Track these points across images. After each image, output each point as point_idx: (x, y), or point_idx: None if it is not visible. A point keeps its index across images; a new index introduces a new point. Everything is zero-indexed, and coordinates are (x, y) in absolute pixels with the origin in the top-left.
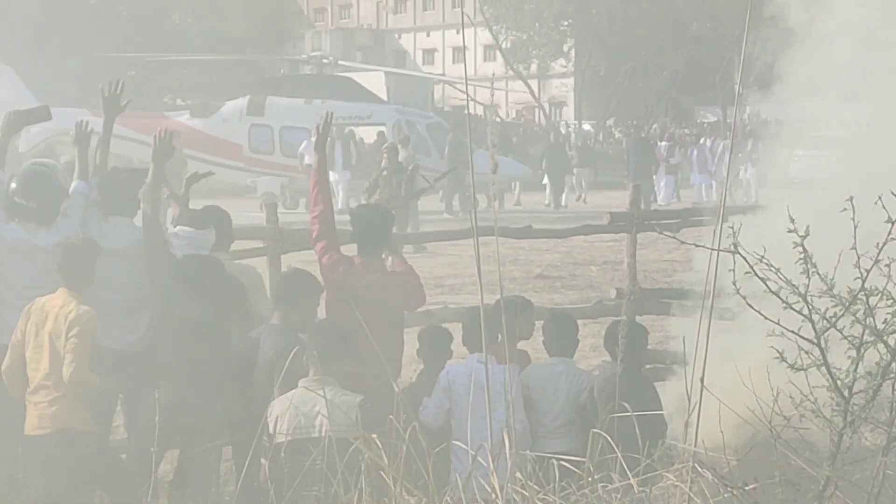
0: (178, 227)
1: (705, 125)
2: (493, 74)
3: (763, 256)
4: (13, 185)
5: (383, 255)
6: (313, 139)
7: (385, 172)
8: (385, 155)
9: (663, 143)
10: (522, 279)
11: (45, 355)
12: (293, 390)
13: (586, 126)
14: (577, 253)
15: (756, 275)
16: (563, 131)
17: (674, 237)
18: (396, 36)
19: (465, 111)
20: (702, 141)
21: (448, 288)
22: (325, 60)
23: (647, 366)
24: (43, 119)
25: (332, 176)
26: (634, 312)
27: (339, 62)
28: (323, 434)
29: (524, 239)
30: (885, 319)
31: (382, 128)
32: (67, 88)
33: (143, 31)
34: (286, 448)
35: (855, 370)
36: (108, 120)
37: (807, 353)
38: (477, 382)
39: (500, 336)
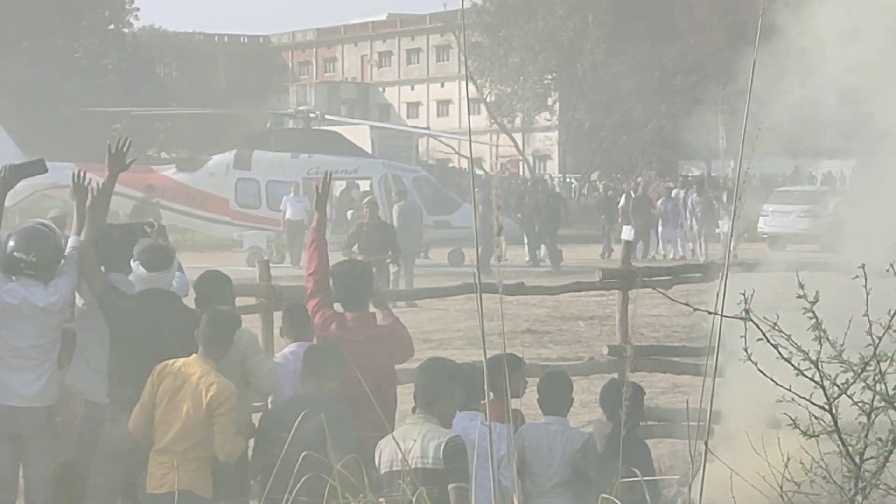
0: (133, 265)
1: (689, 178)
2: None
3: (776, 324)
4: (11, 242)
5: (375, 309)
6: (291, 195)
7: (365, 228)
8: (366, 210)
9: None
10: (510, 334)
11: (178, 420)
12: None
13: (571, 179)
14: (565, 307)
15: (768, 341)
16: (548, 185)
17: (687, 303)
18: (381, 89)
19: (451, 165)
20: (673, 194)
21: (436, 343)
22: (311, 115)
23: (641, 423)
24: (38, 172)
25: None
26: (628, 371)
27: (326, 116)
28: (414, 465)
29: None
30: None
31: (369, 181)
32: (54, 142)
33: (128, 84)
34: (385, 478)
35: (866, 436)
36: (112, 176)
37: (818, 419)
38: (467, 442)
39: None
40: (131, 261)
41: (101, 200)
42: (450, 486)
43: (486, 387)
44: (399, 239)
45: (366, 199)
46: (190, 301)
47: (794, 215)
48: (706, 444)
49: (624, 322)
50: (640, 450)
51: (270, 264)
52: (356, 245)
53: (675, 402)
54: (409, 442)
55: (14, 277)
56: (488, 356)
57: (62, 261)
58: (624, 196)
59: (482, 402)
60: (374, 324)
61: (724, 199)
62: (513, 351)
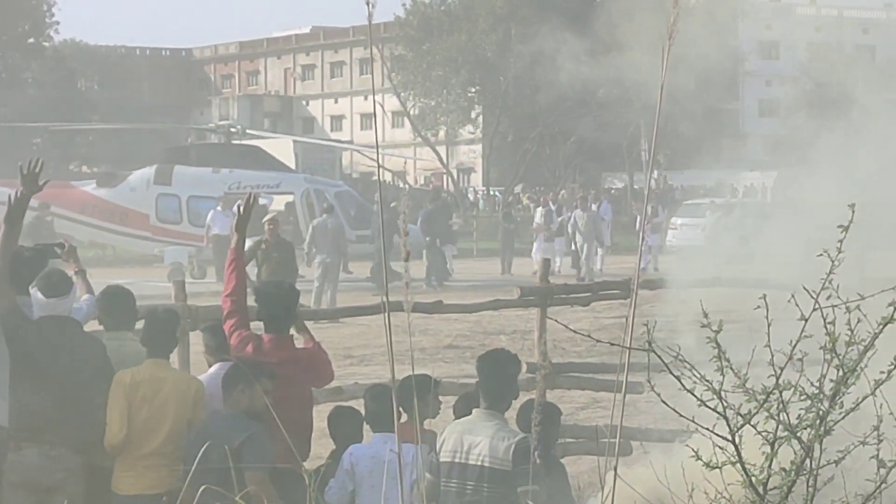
0: (32, 290)
1: (612, 191)
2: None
3: (678, 354)
4: None
5: (296, 332)
6: (219, 209)
7: (264, 246)
8: (268, 227)
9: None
10: (431, 349)
11: (165, 423)
12: (463, 419)
13: (495, 192)
14: (487, 322)
15: (671, 372)
16: (471, 197)
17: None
18: (304, 102)
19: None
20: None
21: (357, 359)
22: (233, 129)
23: (559, 441)
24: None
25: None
26: (546, 388)
27: (248, 131)
28: (480, 462)
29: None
30: (799, 415)
31: (291, 197)
32: None
33: (48, 98)
34: (446, 467)
35: (769, 466)
36: (24, 198)
37: (722, 449)
38: (381, 463)
39: (403, 415)
40: (30, 286)
41: (12, 221)
42: (520, 489)
43: (395, 408)
44: (321, 254)
45: (267, 217)
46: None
47: (700, 228)
48: (615, 467)
49: (542, 339)
50: (558, 474)
51: (192, 280)
52: (251, 263)
53: (595, 419)
54: (476, 436)
55: None
56: (403, 377)
57: None
58: (539, 210)
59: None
60: (291, 346)
61: (649, 212)
62: (435, 367)
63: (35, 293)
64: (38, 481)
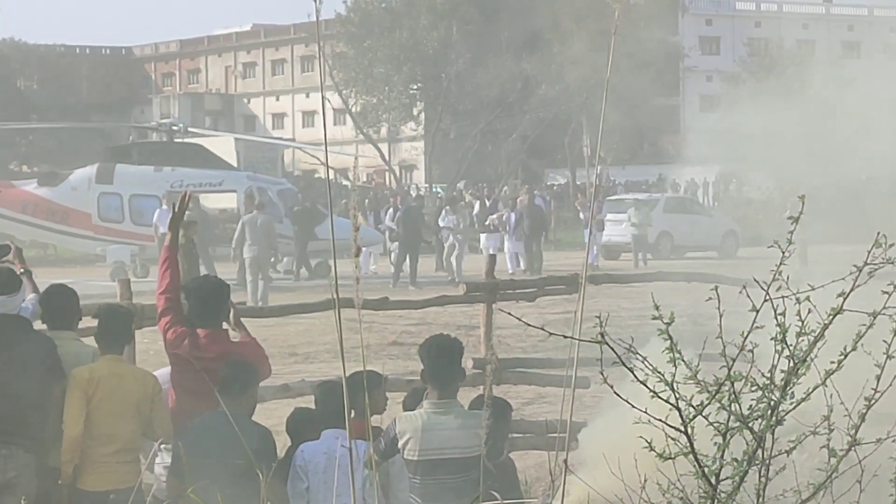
0: None
1: (555, 187)
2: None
3: (631, 346)
4: None
5: (227, 328)
6: (165, 207)
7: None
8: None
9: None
10: (377, 346)
11: (129, 419)
12: (417, 411)
13: (437, 189)
14: (432, 319)
15: (624, 364)
16: (412, 194)
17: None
18: (246, 100)
19: (317, 176)
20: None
21: (302, 357)
22: (174, 127)
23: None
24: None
25: None
26: (493, 383)
27: (190, 129)
28: (454, 455)
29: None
30: (750, 406)
31: (233, 194)
32: None
33: None
34: (417, 466)
35: (721, 457)
36: None
37: (674, 440)
38: (333, 459)
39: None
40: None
41: None
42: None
43: (345, 404)
44: (252, 248)
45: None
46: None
47: (625, 224)
48: (566, 460)
49: (488, 335)
50: (507, 471)
51: (135, 279)
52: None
53: (542, 413)
54: (440, 430)
55: None
56: (349, 372)
57: None
58: (478, 204)
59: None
60: (226, 340)
61: (593, 209)
62: (379, 364)
63: None
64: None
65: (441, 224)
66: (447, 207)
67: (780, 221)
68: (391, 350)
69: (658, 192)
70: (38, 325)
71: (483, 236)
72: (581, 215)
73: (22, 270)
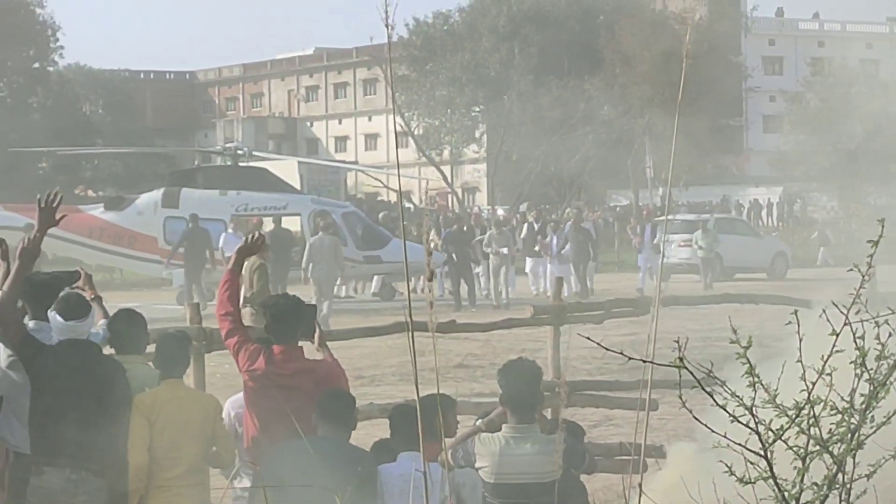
0: (50, 314)
1: (618, 209)
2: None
3: (710, 371)
4: None
5: (316, 348)
6: (230, 231)
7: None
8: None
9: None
10: (442, 369)
11: (193, 442)
12: (497, 434)
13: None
14: (497, 341)
15: (703, 388)
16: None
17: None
18: (308, 124)
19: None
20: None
21: (368, 379)
22: (239, 151)
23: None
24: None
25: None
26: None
27: (254, 153)
28: (528, 480)
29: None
30: (830, 430)
31: (297, 218)
32: None
33: (53, 123)
34: (494, 489)
35: (801, 481)
36: (41, 231)
37: (753, 465)
38: (408, 480)
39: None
40: (49, 310)
41: (29, 253)
42: None
43: (419, 427)
44: (317, 270)
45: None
46: None
47: (675, 245)
48: (640, 483)
49: (556, 358)
50: (577, 491)
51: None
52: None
53: (609, 436)
54: (517, 454)
55: None
56: (421, 394)
57: None
58: (526, 227)
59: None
60: (301, 357)
61: (647, 232)
62: (445, 387)
63: (54, 316)
64: None
65: (486, 248)
66: (493, 230)
67: (845, 242)
68: (457, 372)
69: (722, 212)
70: (107, 350)
71: (528, 260)
72: (633, 241)
73: (92, 297)
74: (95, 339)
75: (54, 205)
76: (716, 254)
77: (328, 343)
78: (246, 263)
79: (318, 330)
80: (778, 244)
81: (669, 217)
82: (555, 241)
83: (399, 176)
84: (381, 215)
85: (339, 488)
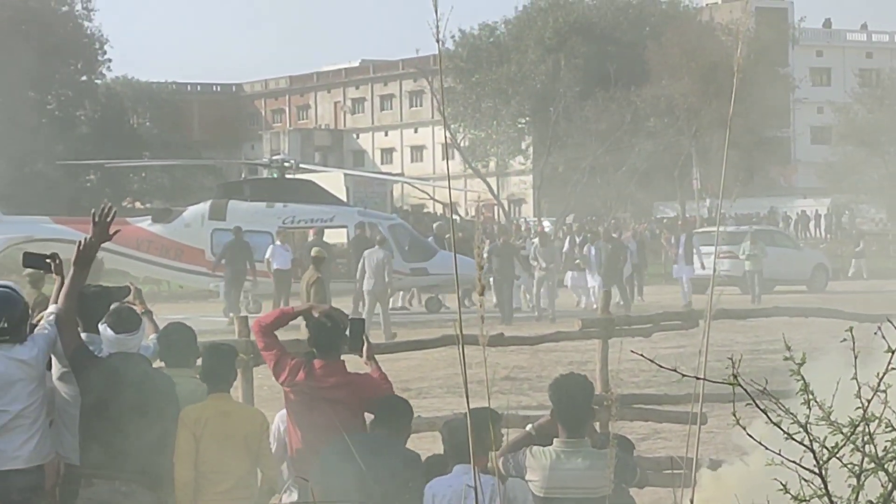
0: (101, 327)
1: (665, 220)
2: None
3: (764, 388)
4: None
5: (364, 361)
6: (278, 243)
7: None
8: (311, 267)
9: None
10: (489, 381)
11: (239, 456)
12: (548, 448)
13: (546, 223)
14: (544, 354)
15: (757, 405)
16: (522, 228)
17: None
18: (354, 136)
19: (426, 210)
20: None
21: (415, 391)
22: (286, 163)
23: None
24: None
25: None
26: (608, 420)
27: (300, 165)
28: (582, 496)
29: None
30: (885, 447)
31: (344, 230)
32: (28, 196)
33: (101, 135)
34: (541, 502)
35: (856, 499)
36: (95, 245)
37: (808, 482)
38: (458, 493)
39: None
40: (99, 323)
41: (81, 265)
42: None
43: (469, 440)
44: (370, 282)
45: (312, 252)
46: None
47: (713, 256)
48: (692, 500)
49: (604, 371)
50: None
51: (248, 315)
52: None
53: (657, 450)
54: (568, 468)
55: None
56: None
57: (40, 321)
58: (568, 240)
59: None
60: (342, 370)
61: (682, 243)
62: (493, 399)
63: (105, 329)
64: None
65: (531, 261)
66: (536, 243)
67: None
68: (503, 385)
69: (769, 224)
70: (157, 363)
71: (569, 273)
72: (669, 251)
73: (142, 311)
74: (146, 352)
75: (108, 219)
76: (764, 265)
77: (376, 355)
78: (303, 278)
79: (366, 343)
80: (818, 256)
81: (709, 229)
82: (593, 252)
83: (449, 188)
84: (435, 225)
85: (389, 488)
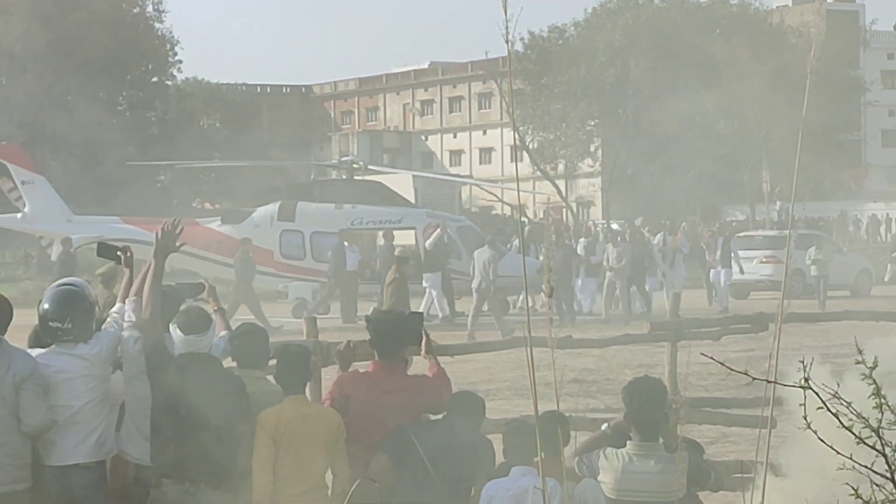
0: (171, 328)
1: (734, 223)
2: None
3: (836, 392)
4: (45, 305)
5: (423, 356)
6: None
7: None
8: (394, 266)
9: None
10: (557, 384)
11: (317, 459)
12: (622, 451)
13: (614, 225)
14: (611, 356)
15: (829, 410)
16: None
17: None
18: (423, 137)
19: (494, 212)
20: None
21: (483, 393)
22: (354, 165)
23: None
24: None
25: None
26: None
27: (369, 166)
28: (653, 500)
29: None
30: None
31: (413, 231)
32: (99, 196)
33: (171, 136)
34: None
35: None
36: (162, 258)
37: (879, 487)
38: (516, 496)
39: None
40: (170, 323)
41: (163, 250)
42: None
43: (538, 443)
44: (476, 281)
45: (397, 253)
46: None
47: (756, 261)
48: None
49: (673, 374)
50: None
51: (316, 316)
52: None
53: (726, 453)
54: (640, 471)
55: (53, 344)
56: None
57: (105, 318)
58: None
59: (535, 458)
60: (401, 373)
61: (719, 247)
62: (561, 402)
63: (174, 330)
64: None
65: (604, 264)
66: (609, 245)
67: None
68: (571, 387)
69: (840, 228)
70: (228, 362)
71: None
72: (707, 255)
73: (215, 309)
74: (216, 350)
75: (176, 232)
76: (830, 270)
77: (441, 357)
78: (387, 277)
79: (424, 337)
80: (862, 261)
81: (749, 233)
82: (614, 254)
83: (518, 190)
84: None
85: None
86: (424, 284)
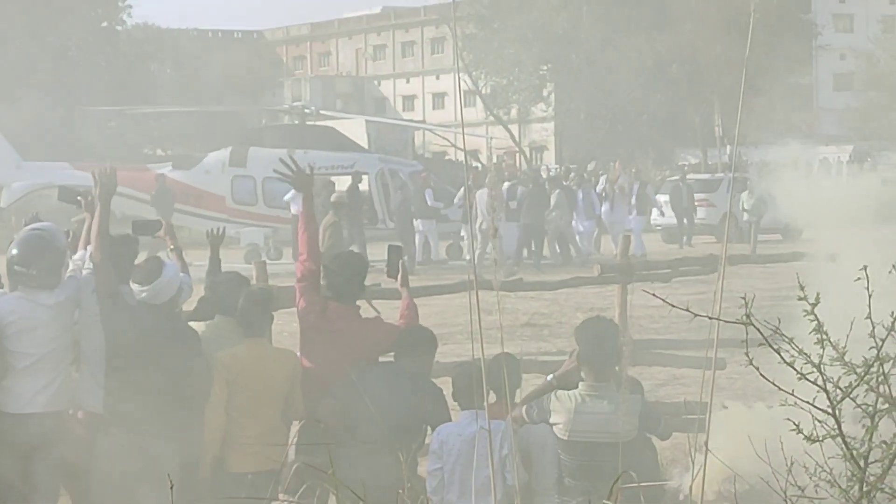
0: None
1: (685, 167)
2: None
3: (777, 328)
4: (13, 251)
5: (399, 287)
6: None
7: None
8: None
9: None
10: (509, 328)
11: (272, 401)
12: (573, 392)
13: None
14: (564, 300)
15: (770, 346)
16: (544, 175)
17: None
18: (376, 83)
19: (447, 158)
20: (600, 187)
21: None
22: (306, 110)
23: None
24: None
25: None
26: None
27: (321, 111)
28: (608, 440)
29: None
30: None
31: (366, 177)
32: (48, 142)
33: (121, 82)
34: (567, 446)
35: (870, 439)
36: (105, 202)
37: (821, 423)
38: (468, 441)
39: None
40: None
41: (105, 193)
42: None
43: (484, 385)
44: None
45: (333, 197)
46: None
47: (741, 206)
48: (706, 442)
49: (623, 316)
50: (649, 452)
51: (268, 261)
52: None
53: (676, 395)
54: (593, 412)
55: (19, 288)
56: (486, 355)
57: (69, 264)
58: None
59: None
60: (354, 316)
61: (635, 192)
62: (512, 346)
63: (132, 285)
64: (127, 467)
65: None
66: (558, 191)
67: None
68: (524, 331)
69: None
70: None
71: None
72: (633, 199)
73: (171, 247)
74: (185, 286)
75: (109, 174)
76: (763, 215)
77: (395, 302)
78: (322, 222)
79: (401, 269)
80: None
81: (675, 178)
82: (594, 198)
83: (465, 134)
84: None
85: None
86: (420, 229)
